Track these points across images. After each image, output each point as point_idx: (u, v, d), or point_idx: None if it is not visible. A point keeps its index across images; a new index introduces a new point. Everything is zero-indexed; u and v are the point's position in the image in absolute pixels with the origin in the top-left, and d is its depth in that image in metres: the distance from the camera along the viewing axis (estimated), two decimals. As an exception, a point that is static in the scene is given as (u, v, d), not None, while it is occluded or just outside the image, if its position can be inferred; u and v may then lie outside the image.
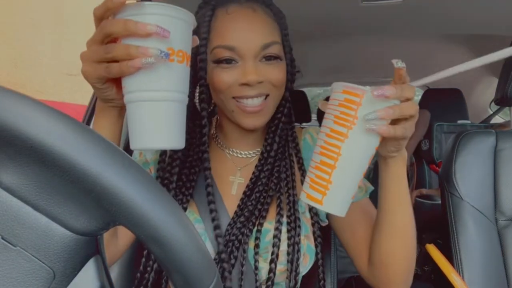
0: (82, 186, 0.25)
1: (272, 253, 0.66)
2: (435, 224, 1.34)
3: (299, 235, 0.68)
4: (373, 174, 1.58)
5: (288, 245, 0.67)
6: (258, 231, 0.67)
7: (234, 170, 0.75)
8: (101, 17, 0.46)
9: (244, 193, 0.70)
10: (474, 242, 0.96)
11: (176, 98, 0.48)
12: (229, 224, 0.68)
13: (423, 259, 1.51)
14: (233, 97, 0.64)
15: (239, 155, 0.75)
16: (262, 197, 0.70)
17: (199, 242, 0.29)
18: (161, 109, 0.46)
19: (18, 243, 0.27)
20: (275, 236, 0.66)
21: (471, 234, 0.97)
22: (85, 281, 0.29)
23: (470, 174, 1.01)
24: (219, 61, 0.63)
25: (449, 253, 0.97)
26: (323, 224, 0.76)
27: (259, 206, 0.69)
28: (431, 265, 1.42)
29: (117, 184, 0.25)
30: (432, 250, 0.84)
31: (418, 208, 1.55)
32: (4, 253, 0.27)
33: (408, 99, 0.48)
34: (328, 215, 0.75)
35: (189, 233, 0.28)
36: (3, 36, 2.22)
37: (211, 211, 0.67)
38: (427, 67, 2.32)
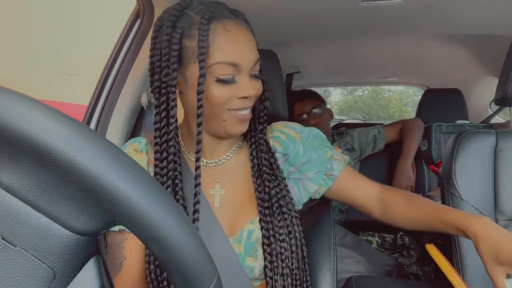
0: (82, 186, 0.25)
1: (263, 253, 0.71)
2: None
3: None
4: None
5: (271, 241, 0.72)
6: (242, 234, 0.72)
7: (212, 182, 0.75)
8: None
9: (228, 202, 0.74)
10: (474, 242, 0.96)
11: None
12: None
13: (423, 259, 1.51)
14: (229, 109, 0.68)
15: (210, 165, 0.76)
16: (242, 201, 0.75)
17: (199, 242, 0.29)
18: None
19: (18, 243, 0.27)
20: (263, 235, 0.71)
21: (471, 234, 0.97)
22: (85, 281, 0.29)
23: (470, 174, 1.00)
24: (220, 79, 0.65)
25: (449, 253, 0.97)
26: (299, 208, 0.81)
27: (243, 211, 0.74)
28: (431, 265, 1.42)
29: (117, 184, 0.25)
30: (432, 250, 0.84)
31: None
32: (4, 253, 0.27)
33: None
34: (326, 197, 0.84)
35: (189, 233, 0.28)
36: (3, 36, 2.22)
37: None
38: (427, 67, 2.32)
